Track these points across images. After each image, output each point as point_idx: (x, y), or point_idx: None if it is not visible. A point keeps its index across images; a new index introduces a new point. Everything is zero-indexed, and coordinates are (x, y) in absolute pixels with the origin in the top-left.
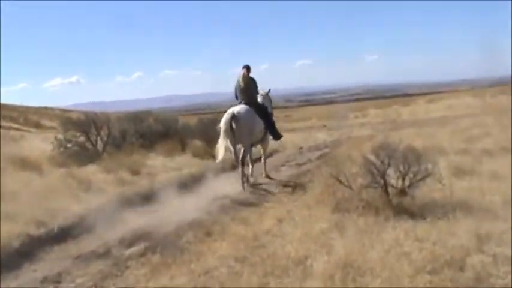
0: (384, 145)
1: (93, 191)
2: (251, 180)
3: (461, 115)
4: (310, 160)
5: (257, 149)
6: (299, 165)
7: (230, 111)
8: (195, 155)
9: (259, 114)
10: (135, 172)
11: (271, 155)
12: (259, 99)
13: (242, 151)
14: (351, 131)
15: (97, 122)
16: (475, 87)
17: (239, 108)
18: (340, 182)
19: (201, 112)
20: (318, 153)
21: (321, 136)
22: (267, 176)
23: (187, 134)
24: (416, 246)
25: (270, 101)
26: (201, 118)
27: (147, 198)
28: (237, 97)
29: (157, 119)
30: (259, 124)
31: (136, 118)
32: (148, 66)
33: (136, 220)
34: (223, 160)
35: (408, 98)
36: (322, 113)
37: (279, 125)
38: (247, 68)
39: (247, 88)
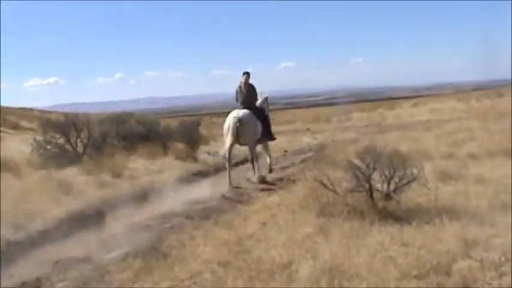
0: (369, 149)
1: (73, 194)
2: (258, 173)
3: (446, 119)
4: (294, 164)
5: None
6: (283, 168)
7: (235, 114)
8: (177, 157)
9: (257, 116)
10: (116, 175)
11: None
12: (259, 101)
13: (249, 150)
14: (336, 134)
15: (77, 123)
16: (459, 91)
17: (242, 112)
18: (325, 186)
19: (184, 114)
20: (302, 156)
21: (305, 139)
22: (262, 179)
23: (169, 136)
24: (402, 251)
25: (267, 104)
26: (183, 120)
27: (128, 200)
28: (237, 100)
29: (139, 121)
30: (259, 127)
31: (118, 120)
32: (129, 67)
33: (118, 223)
34: (207, 163)
35: (393, 101)
36: (307, 116)
37: None
38: (248, 75)
39: (248, 94)
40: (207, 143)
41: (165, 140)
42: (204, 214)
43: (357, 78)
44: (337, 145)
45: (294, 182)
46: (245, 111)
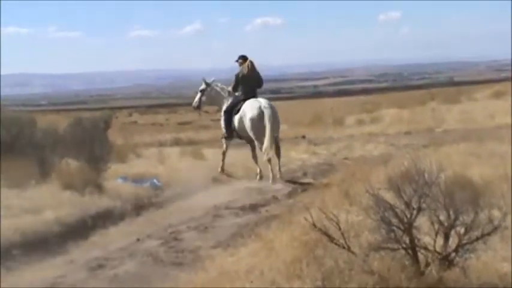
0: (412, 174)
1: None
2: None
3: None
4: (275, 198)
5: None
6: (255, 207)
7: (264, 104)
8: (67, 185)
9: None
10: None
11: (207, 187)
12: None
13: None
14: (352, 147)
15: None
16: None
17: (267, 102)
18: (331, 238)
19: (81, 107)
20: (290, 186)
21: (298, 156)
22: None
23: (52, 146)
24: None
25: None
26: (79, 119)
27: None
28: (235, 89)
29: None
30: None
31: None
32: None
33: None
34: (121, 197)
35: (456, 88)
36: (301, 114)
37: (212, 134)
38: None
39: (257, 80)
40: (122, 159)
41: (45, 154)
42: None
43: (389, 49)
44: (355, 167)
45: (275, 235)
46: (267, 101)
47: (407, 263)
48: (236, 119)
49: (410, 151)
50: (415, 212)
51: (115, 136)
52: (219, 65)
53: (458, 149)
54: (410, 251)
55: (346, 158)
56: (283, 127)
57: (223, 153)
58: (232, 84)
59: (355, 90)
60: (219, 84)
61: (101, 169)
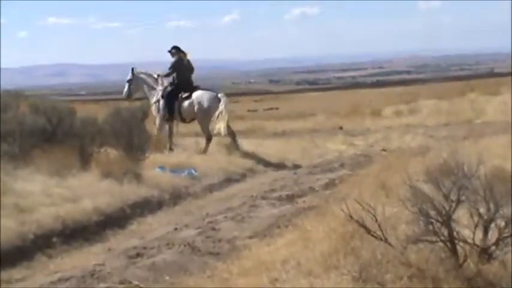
0: (450, 166)
1: None
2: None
3: None
4: (312, 189)
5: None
6: (292, 197)
7: (214, 95)
8: (106, 173)
9: None
10: None
11: (244, 177)
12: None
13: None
14: (389, 138)
15: None
16: None
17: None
18: (368, 230)
19: (119, 97)
20: (327, 177)
21: (334, 147)
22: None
23: (91, 136)
24: None
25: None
26: (118, 109)
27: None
28: (168, 75)
29: (35, 107)
30: None
31: None
32: None
33: None
34: (158, 186)
35: (496, 79)
36: (338, 104)
37: (248, 124)
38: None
39: (192, 69)
40: (159, 149)
41: (85, 143)
42: (150, 277)
43: (429, 38)
44: (392, 158)
45: (312, 226)
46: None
47: (445, 255)
48: (186, 104)
49: (449, 143)
50: (454, 204)
51: (152, 126)
52: (256, 55)
53: (498, 141)
54: (448, 244)
55: (383, 150)
56: (320, 117)
57: (170, 133)
58: (168, 70)
59: (393, 81)
60: (144, 72)
61: (139, 158)
